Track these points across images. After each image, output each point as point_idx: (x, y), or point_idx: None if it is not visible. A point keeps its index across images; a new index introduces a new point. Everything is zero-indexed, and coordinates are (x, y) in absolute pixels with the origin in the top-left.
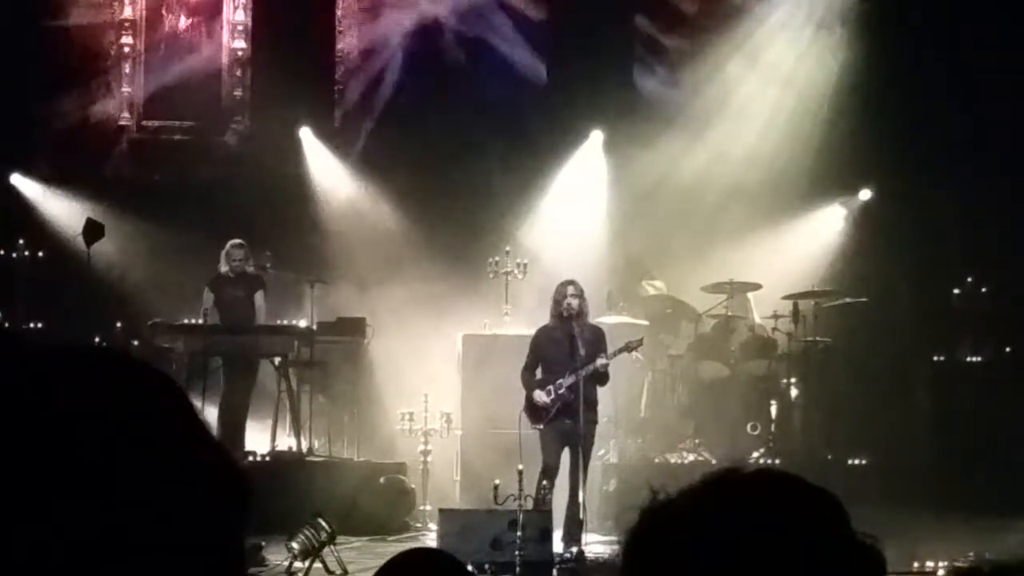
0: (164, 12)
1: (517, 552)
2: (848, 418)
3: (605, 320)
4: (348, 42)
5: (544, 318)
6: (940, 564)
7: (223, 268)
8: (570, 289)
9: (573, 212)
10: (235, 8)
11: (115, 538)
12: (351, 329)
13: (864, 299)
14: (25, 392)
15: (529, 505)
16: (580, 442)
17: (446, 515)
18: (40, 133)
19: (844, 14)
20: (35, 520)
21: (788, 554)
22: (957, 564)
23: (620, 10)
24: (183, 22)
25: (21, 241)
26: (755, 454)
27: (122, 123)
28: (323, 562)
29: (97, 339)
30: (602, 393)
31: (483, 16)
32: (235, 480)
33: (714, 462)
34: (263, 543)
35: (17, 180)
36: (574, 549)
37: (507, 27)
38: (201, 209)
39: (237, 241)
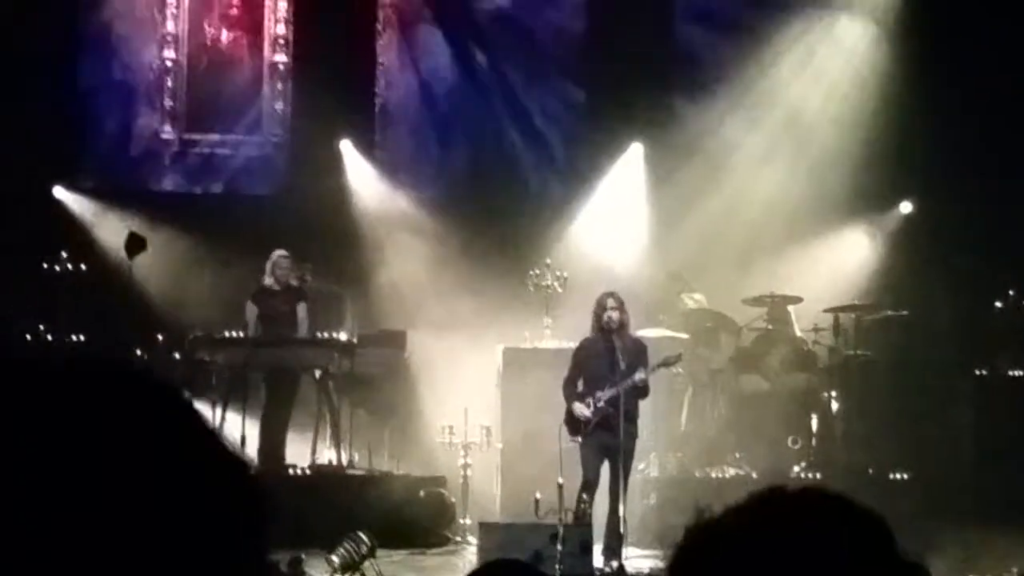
0: (206, 25)
1: (558, 566)
2: (890, 432)
3: (645, 333)
4: (389, 56)
5: (585, 331)
6: None
7: (267, 280)
8: (610, 301)
9: (613, 224)
10: (276, 22)
11: (117, 551)
12: (392, 342)
13: (905, 312)
14: (21, 404)
15: (569, 519)
16: (620, 456)
17: (486, 528)
18: (83, 146)
19: (887, 24)
20: (35, 533)
21: (836, 575)
22: None
23: (659, 22)
24: (225, 35)
25: (64, 254)
26: (796, 468)
27: (164, 136)
28: (364, 575)
29: (138, 351)
30: (642, 406)
31: (524, 29)
32: (248, 489)
33: (755, 476)
34: (303, 556)
35: (60, 193)
36: (614, 563)
37: (548, 40)
38: (242, 222)
39: (283, 252)
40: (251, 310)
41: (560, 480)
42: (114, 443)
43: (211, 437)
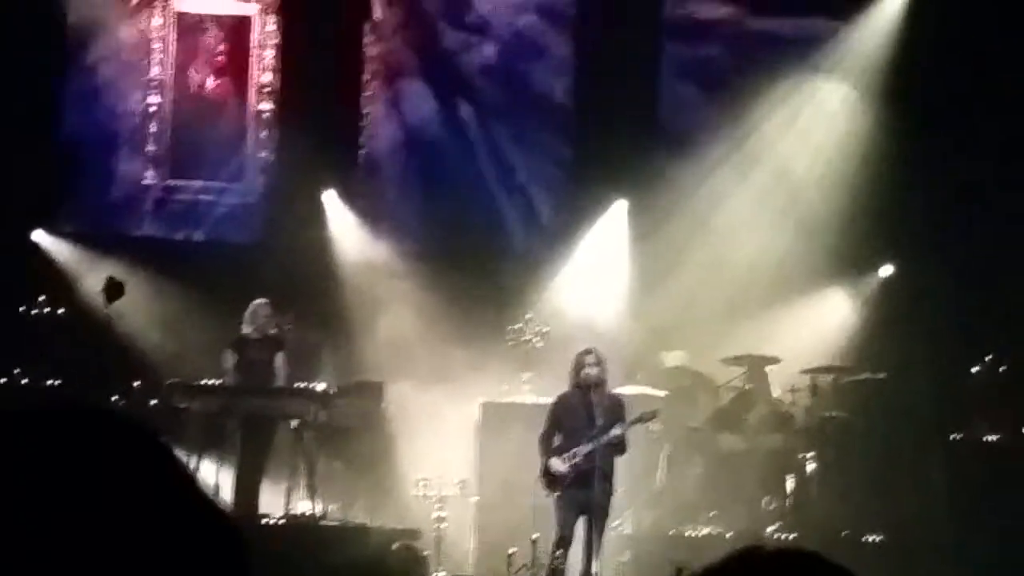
0: (192, 72)
1: None
2: (865, 494)
3: (624, 391)
4: (374, 106)
5: (563, 386)
6: None
7: (246, 329)
8: (589, 358)
9: (595, 281)
10: (262, 70)
11: None
12: (369, 393)
13: (882, 375)
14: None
15: (544, 574)
16: (596, 511)
17: None
18: (65, 190)
19: (870, 89)
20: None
21: None
22: None
23: (646, 81)
24: (210, 82)
25: (42, 298)
26: (771, 528)
27: (146, 182)
28: None
29: (115, 398)
30: (619, 463)
31: (510, 84)
32: (226, 536)
33: (730, 536)
34: None
35: (39, 236)
36: None
37: (534, 95)
38: (223, 270)
39: (264, 301)
40: (229, 358)
41: (535, 535)
42: (92, 487)
43: (189, 483)
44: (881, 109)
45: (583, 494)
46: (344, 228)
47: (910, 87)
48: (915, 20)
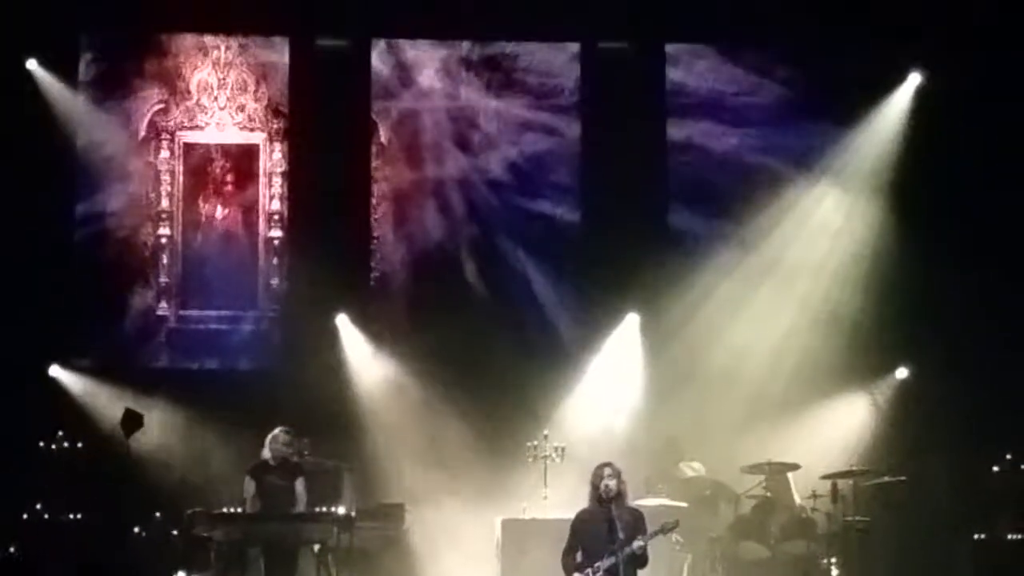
0: (200, 202)
1: None
2: None
3: (643, 503)
4: (384, 228)
5: (583, 502)
6: None
7: (265, 455)
8: (607, 471)
9: (610, 395)
10: (271, 198)
11: None
12: (390, 515)
13: (903, 478)
14: None
15: None
16: None
17: None
18: (79, 324)
19: (880, 193)
20: None
21: None
22: None
23: (654, 202)
24: (219, 212)
25: (60, 433)
26: None
27: (160, 313)
28: None
29: (136, 529)
30: (641, 575)
31: (517, 207)
32: None
33: None
34: None
35: (56, 372)
36: None
37: (540, 215)
38: (239, 398)
39: (284, 427)
40: (249, 485)
41: None
42: None
43: None
44: (892, 213)
45: None
46: (358, 351)
47: (920, 189)
48: (921, 122)
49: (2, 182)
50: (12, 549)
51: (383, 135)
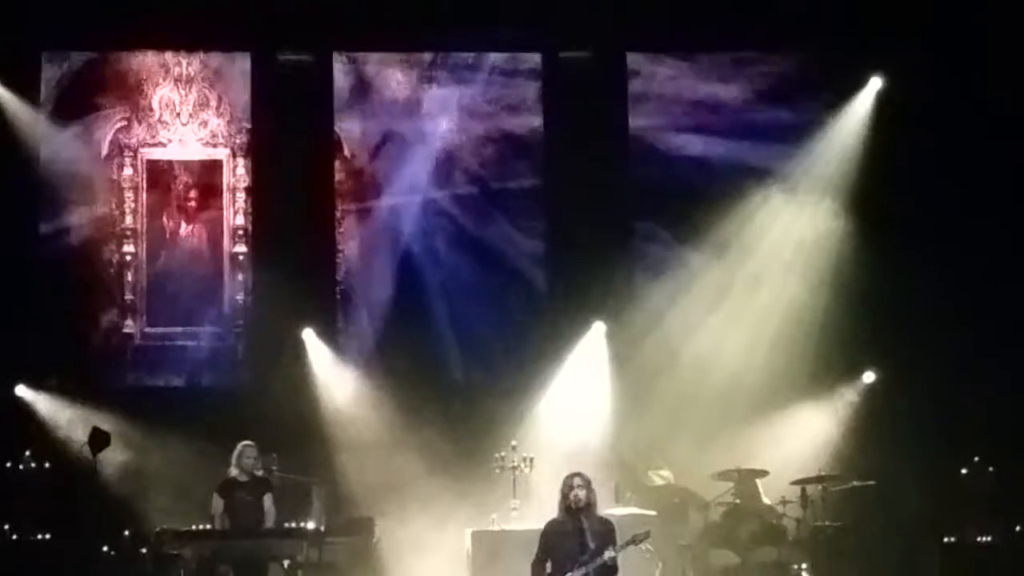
0: (164, 219)
1: None
2: None
3: (613, 512)
4: (349, 243)
5: (552, 512)
6: None
7: (233, 472)
8: (576, 481)
9: (577, 404)
10: (235, 213)
11: None
12: (359, 529)
13: (872, 482)
14: None
15: None
16: None
17: None
18: (44, 344)
19: (845, 198)
20: None
21: None
22: None
23: (617, 218)
24: (184, 228)
25: (27, 453)
26: None
27: (126, 331)
28: None
29: (105, 548)
30: None
31: (482, 216)
32: None
33: None
34: None
35: (23, 391)
36: None
37: (506, 227)
38: (206, 414)
39: (249, 443)
40: (218, 503)
41: None
42: None
43: None
44: (853, 217)
45: None
46: (324, 365)
47: (884, 195)
48: (883, 125)
49: None
50: None
51: (346, 149)
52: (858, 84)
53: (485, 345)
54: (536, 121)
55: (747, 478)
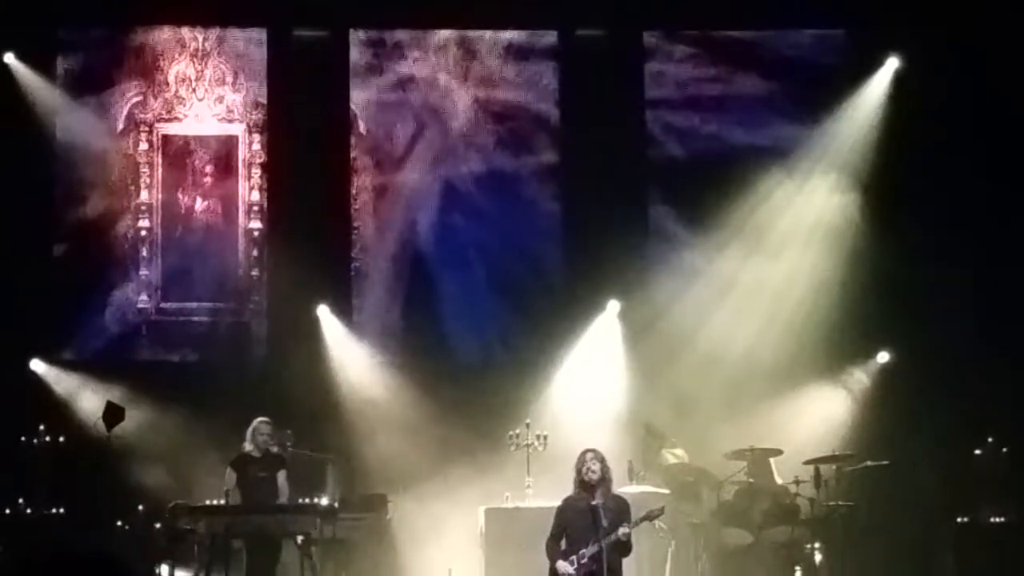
0: (180, 195)
1: None
2: None
3: (627, 490)
4: (364, 220)
5: (566, 490)
6: None
7: (247, 447)
8: (590, 455)
9: (592, 382)
10: (251, 189)
11: None
12: (373, 506)
13: (885, 462)
14: None
15: None
16: None
17: None
18: (60, 318)
19: (860, 180)
20: None
21: None
22: None
23: (632, 185)
24: (199, 204)
25: (42, 427)
26: None
27: (140, 306)
28: None
29: (119, 523)
30: (625, 563)
31: (497, 194)
32: None
33: None
34: None
35: (37, 366)
36: None
37: (521, 205)
38: (221, 390)
39: (264, 419)
40: (230, 476)
41: None
42: None
43: None
44: (869, 199)
45: None
46: (339, 342)
47: (899, 176)
48: (899, 107)
49: None
50: None
51: (362, 125)
52: (875, 65)
53: (500, 323)
54: (552, 100)
55: (761, 457)
